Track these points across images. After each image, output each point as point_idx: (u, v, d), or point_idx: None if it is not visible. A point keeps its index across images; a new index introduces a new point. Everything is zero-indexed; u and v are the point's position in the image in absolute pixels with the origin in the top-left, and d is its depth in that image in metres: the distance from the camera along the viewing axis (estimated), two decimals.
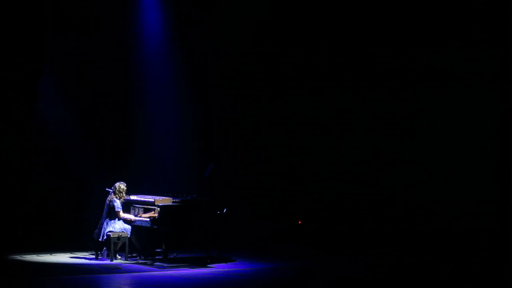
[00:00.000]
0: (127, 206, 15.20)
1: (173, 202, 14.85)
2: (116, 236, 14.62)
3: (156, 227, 14.48)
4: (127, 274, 13.49)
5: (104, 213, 14.87)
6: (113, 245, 14.59)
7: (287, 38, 17.75)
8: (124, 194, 14.99)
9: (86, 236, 15.40)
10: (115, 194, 14.88)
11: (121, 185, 14.94)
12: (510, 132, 15.07)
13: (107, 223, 14.75)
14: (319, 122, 17.88)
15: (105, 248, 14.85)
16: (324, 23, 17.52)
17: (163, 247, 14.75)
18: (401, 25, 16.77)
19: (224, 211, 15.06)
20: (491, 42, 15.61)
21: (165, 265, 14.40)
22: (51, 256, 15.16)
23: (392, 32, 16.89)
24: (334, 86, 17.59)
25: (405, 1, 16.65)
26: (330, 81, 17.61)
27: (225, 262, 14.86)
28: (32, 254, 15.13)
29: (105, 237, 14.69)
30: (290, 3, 17.69)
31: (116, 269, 13.88)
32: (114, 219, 14.75)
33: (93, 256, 14.94)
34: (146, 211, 14.97)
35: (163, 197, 14.93)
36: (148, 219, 14.59)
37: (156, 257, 14.98)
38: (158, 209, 14.53)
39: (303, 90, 17.87)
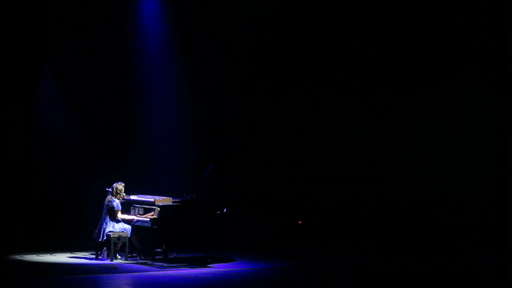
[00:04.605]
0: (127, 206, 15.20)
1: (173, 202, 14.85)
2: (116, 236, 14.62)
3: (156, 227, 14.48)
4: (127, 274, 13.49)
5: (103, 214, 14.87)
6: (113, 245, 14.59)
7: (289, 35, 17.73)
8: (123, 194, 14.99)
9: (86, 236, 15.39)
10: (113, 195, 14.88)
11: (118, 186, 14.94)
12: (510, 132, 15.06)
13: (106, 224, 14.75)
14: (319, 120, 17.86)
15: (105, 248, 14.85)
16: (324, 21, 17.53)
17: (163, 247, 14.76)
18: (401, 25, 16.76)
19: (224, 211, 15.06)
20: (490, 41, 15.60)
21: (165, 265, 14.40)
22: (51, 256, 15.16)
23: (392, 32, 16.88)
24: (335, 86, 17.57)
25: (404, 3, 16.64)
26: (330, 80, 17.59)
27: (225, 262, 14.87)
28: (32, 254, 15.13)
29: (105, 238, 14.69)
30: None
31: (116, 269, 13.87)
32: (114, 219, 14.75)
33: (93, 256, 14.93)
34: (146, 211, 14.96)
35: (163, 197, 14.93)
36: (148, 219, 14.59)
37: (156, 257, 14.98)
38: (158, 209, 14.53)
39: (304, 88, 17.84)
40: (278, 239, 17.37)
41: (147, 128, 18.10)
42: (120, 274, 13.46)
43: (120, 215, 14.82)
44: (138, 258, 15.00)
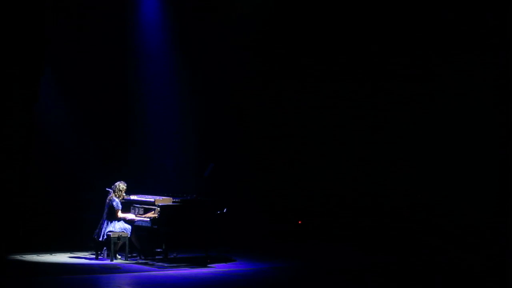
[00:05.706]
0: (127, 206, 15.21)
1: (173, 202, 14.86)
2: (116, 236, 14.62)
3: (156, 227, 14.49)
4: (127, 274, 13.50)
5: (104, 213, 14.88)
6: (113, 245, 14.60)
7: (290, 34, 17.73)
8: (124, 194, 15.00)
9: (86, 236, 15.40)
10: (114, 193, 14.90)
11: (121, 185, 14.96)
12: (510, 132, 15.06)
13: (107, 223, 14.76)
14: (318, 121, 17.85)
15: (105, 248, 14.86)
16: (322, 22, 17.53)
17: (163, 247, 14.76)
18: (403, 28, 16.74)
19: (224, 211, 15.07)
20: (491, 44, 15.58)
21: (165, 265, 14.41)
22: (51, 256, 15.17)
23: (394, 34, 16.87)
24: (334, 87, 17.57)
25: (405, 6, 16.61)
26: (327, 81, 17.58)
27: (225, 262, 14.87)
28: (32, 254, 15.13)
29: (105, 237, 14.69)
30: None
31: (116, 269, 13.88)
32: (114, 219, 14.76)
33: (93, 256, 14.94)
34: (146, 211, 14.97)
35: (163, 197, 14.94)
36: (148, 219, 14.60)
37: (156, 257, 14.99)
38: (158, 209, 14.53)
39: (304, 86, 17.84)
40: (278, 239, 17.37)
41: (147, 127, 18.10)
42: (120, 274, 13.47)
43: (120, 214, 14.82)
44: (138, 258, 15.01)
